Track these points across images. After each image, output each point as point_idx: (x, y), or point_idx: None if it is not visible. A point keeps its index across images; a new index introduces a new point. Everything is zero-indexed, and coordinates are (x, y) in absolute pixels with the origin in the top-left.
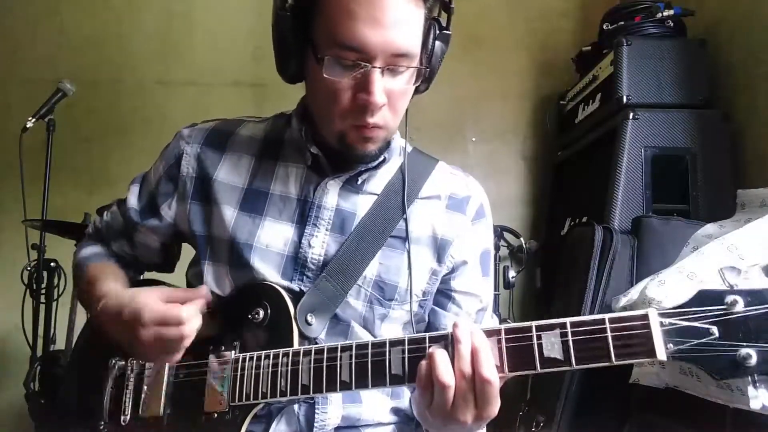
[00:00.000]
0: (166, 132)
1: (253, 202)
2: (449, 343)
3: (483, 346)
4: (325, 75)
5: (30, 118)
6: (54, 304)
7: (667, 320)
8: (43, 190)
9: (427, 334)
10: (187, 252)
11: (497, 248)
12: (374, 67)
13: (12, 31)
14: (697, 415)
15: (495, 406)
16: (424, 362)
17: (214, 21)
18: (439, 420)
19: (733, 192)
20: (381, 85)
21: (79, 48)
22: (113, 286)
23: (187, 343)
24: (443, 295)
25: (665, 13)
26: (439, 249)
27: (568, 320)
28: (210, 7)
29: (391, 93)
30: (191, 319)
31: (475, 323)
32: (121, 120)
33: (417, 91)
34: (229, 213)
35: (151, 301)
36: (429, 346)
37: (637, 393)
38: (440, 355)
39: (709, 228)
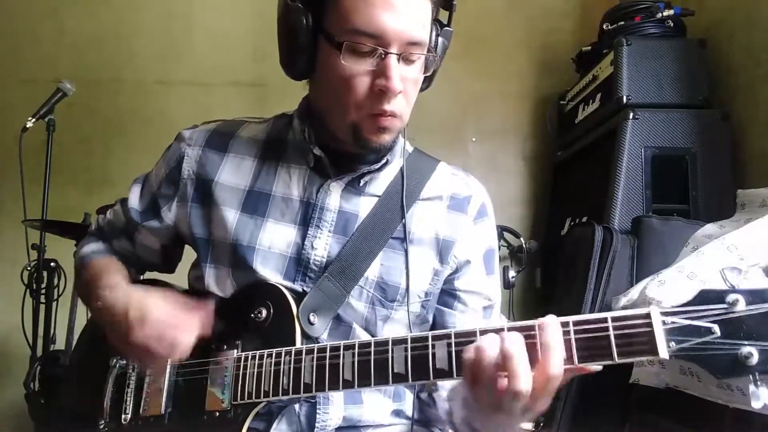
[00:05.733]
0: (166, 132)
1: (255, 204)
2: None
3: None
4: (342, 62)
5: (30, 118)
6: (54, 304)
7: (669, 319)
8: (43, 190)
9: (429, 333)
10: (189, 254)
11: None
12: (391, 53)
13: (12, 31)
14: (697, 415)
15: (548, 399)
16: (472, 351)
17: (214, 21)
18: (487, 410)
19: (733, 192)
20: (398, 71)
21: (79, 48)
22: (119, 280)
23: (185, 350)
24: (448, 294)
25: (665, 13)
26: (442, 249)
27: (570, 319)
28: (210, 7)
29: (405, 81)
30: (195, 330)
31: (483, 320)
32: (121, 120)
33: (420, 88)
34: (231, 215)
35: (160, 302)
36: (433, 345)
37: (637, 393)
38: (489, 341)
39: (709, 228)
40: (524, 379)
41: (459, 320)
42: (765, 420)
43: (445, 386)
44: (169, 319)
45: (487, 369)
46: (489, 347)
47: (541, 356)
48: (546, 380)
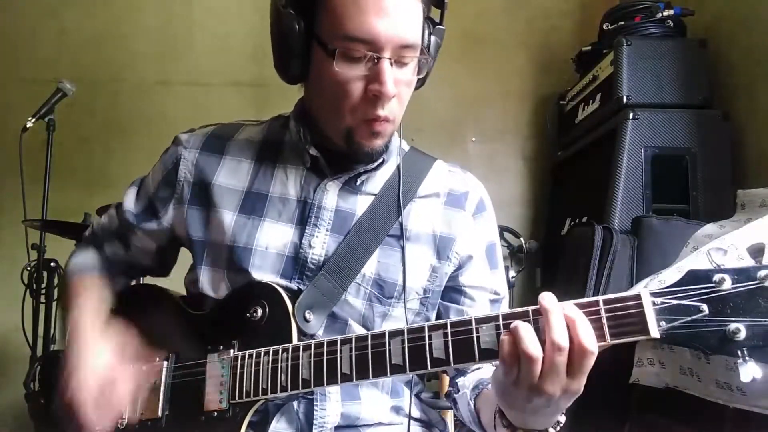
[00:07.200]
0: (166, 132)
1: (253, 205)
2: (530, 318)
3: (578, 316)
4: (336, 68)
5: (30, 118)
6: (54, 304)
7: (658, 299)
8: (43, 190)
9: (425, 324)
10: (185, 257)
11: None
12: (384, 57)
13: (12, 31)
14: (697, 415)
15: (584, 378)
16: (506, 337)
17: (214, 21)
18: (525, 393)
19: (733, 192)
20: (392, 75)
21: (79, 48)
22: (88, 317)
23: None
24: (454, 291)
25: (665, 13)
26: (439, 246)
27: (563, 304)
28: (210, 7)
29: (398, 83)
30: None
31: None
32: (121, 120)
33: (414, 87)
34: (228, 217)
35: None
36: (429, 336)
37: (637, 393)
38: (524, 327)
39: (709, 228)
40: (561, 334)
41: (468, 313)
42: (765, 420)
43: (467, 386)
44: (94, 400)
45: (525, 346)
46: (523, 326)
47: (570, 331)
48: (582, 353)
